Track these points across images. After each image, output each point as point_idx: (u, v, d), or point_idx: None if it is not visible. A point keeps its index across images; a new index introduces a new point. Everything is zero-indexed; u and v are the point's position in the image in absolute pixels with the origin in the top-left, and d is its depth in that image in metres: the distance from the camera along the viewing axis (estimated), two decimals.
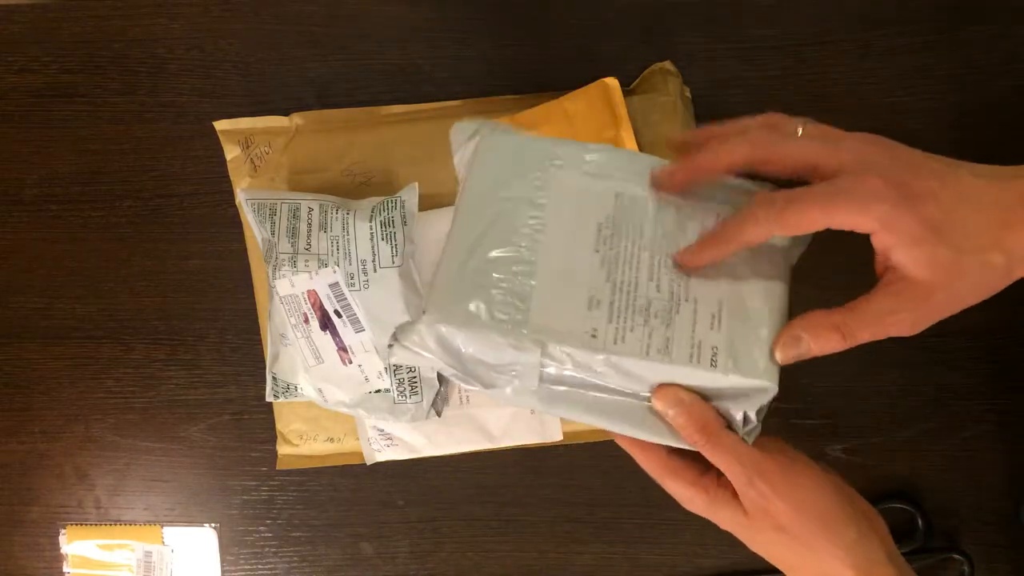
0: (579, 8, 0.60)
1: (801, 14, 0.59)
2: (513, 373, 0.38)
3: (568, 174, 0.41)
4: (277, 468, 0.60)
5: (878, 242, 0.37)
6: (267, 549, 0.63)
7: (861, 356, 0.60)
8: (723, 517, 0.41)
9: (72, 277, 0.62)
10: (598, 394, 0.39)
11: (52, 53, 0.61)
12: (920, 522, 0.59)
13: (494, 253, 0.39)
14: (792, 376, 0.61)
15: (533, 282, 0.38)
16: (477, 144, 0.42)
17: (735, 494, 0.40)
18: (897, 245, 0.36)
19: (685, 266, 0.39)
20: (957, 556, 0.59)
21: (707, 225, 0.40)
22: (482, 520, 0.62)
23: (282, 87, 0.61)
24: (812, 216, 0.36)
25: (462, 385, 0.41)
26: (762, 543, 0.42)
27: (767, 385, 0.38)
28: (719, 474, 0.40)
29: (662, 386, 0.38)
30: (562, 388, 0.39)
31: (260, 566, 0.63)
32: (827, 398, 0.60)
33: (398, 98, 0.60)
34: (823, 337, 0.38)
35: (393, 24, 0.60)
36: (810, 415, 0.60)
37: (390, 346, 0.39)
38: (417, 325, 0.38)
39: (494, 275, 0.39)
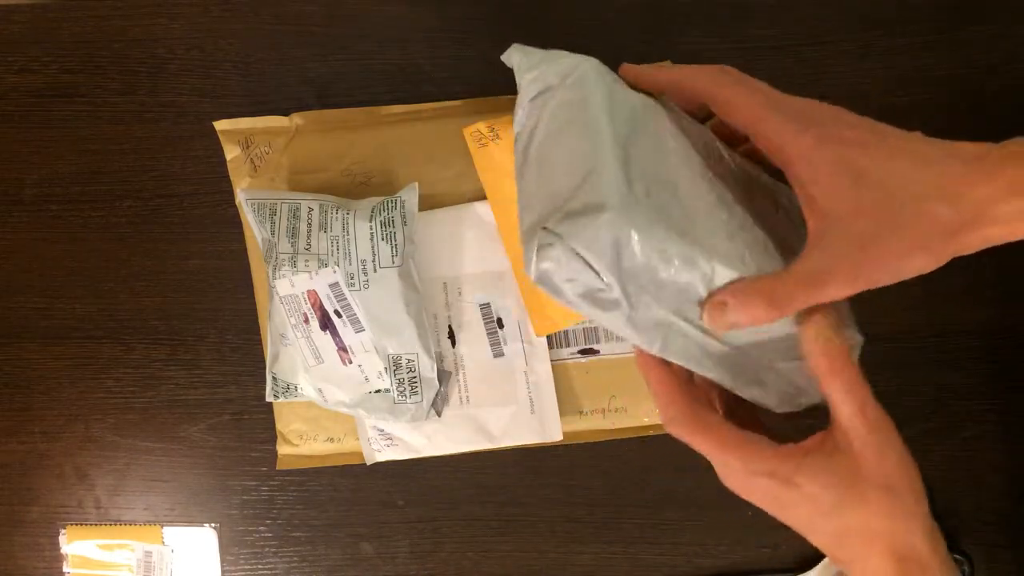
0: (579, 8, 0.60)
1: (801, 14, 0.59)
2: (665, 298, 0.35)
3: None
4: (277, 468, 0.60)
5: (795, 175, 0.35)
6: (267, 549, 0.63)
7: (862, 356, 0.60)
8: (816, 472, 0.36)
9: (72, 277, 0.62)
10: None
11: (52, 53, 0.61)
12: None
13: (646, 164, 0.35)
14: None
15: (682, 202, 0.35)
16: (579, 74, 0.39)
17: (830, 451, 0.36)
18: (815, 179, 0.34)
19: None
20: (957, 556, 0.59)
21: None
22: (482, 520, 0.62)
23: (282, 87, 0.61)
24: (755, 126, 0.36)
25: (589, 312, 0.36)
26: (857, 503, 0.35)
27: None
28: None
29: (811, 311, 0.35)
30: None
31: (260, 566, 0.63)
32: None
33: (398, 98, 0.60)
34: (750, 305, 0.35)
35: (393, 24, 0.60)
36: (810, 415, 0.60)
37: (542, 247, 0.34)
38: (597, 220, 0.33)
39: (652, 184, 0.35)
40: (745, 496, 0.38)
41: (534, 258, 0.35)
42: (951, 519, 0.60)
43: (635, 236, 0.33)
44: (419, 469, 0.61)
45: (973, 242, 0.35)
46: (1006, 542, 0.60)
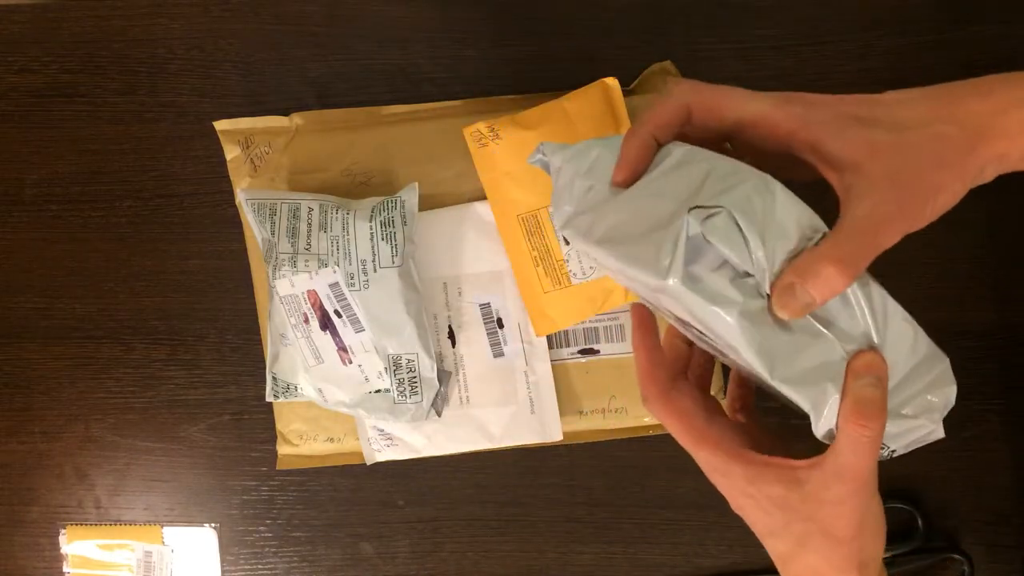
0: (579, 8, 0.60)
1: (801, 14, 0.59)
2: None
3: None
4: (277, 468, 0.60)
5: (807, 144, 0.36)
6: (267, 549, 0.63)
7: None
8: (770, 482, 0.37)
9: (72, 277, 0.62)
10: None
11: (52, 53, 0.61)
12: (920, 522, 0.59)
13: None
14: None
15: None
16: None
17: (789, 466, 0.37)
18: (827, 138, 0.35)
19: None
20: (957, 556, 0.59)
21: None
22: (482, 520, 0.62)
23: (282, 87, 0.61)
24: (727, 106, 0.37)
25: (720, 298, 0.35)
26: (818, 507, 0.37)
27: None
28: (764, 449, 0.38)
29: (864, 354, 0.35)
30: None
31: (260, 566, 0.63)
32: None
33: (398, 98, 0.60)
34: (819, 275, 0.34)
35: (393, 24, 0.60)
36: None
37: (708, 217, 0.34)
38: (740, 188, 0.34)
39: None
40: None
41: (695, 228, 0.35)
42: (951, 519, 0.60)
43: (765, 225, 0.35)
44: (419, 469, 0.61)
45: (988, 161, 0.36)
46: (1006, 542, 0.60)
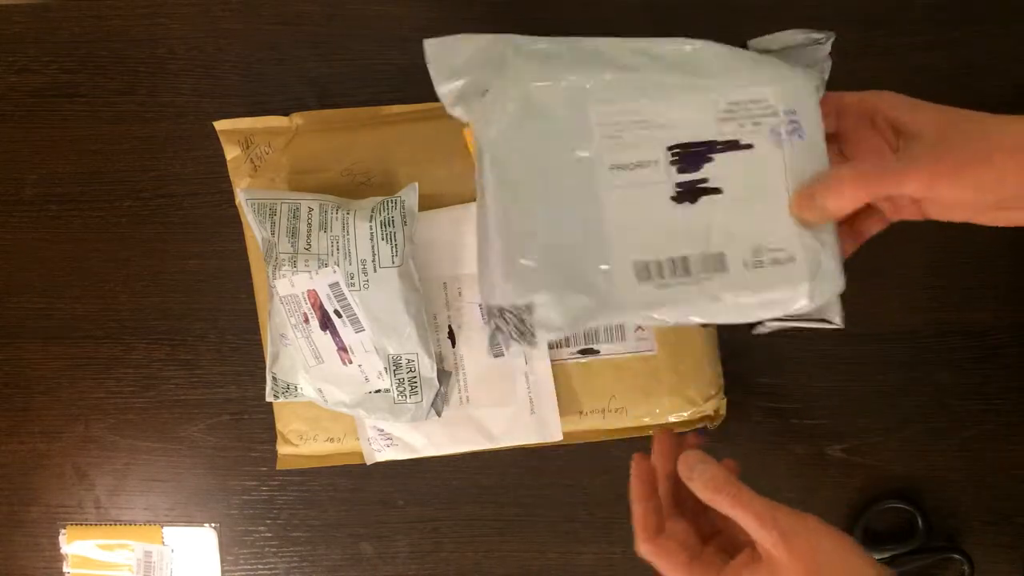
0: (579, 8, 0.60)
1: (801, 14, 0.59)
2: None
3: None
4: (277, 468, 0.60)
5: (884, 114, 0.43)
6: (267, 549, 0.63)
7: (861, 356, 0.60)
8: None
9: (72, 277, 0.62)
10: None
11: (52, 53, 0.61)
12: (920, 522, 0.59)
13: None
14: (792, 376, 0.61)
15: None
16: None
17: (744, 562, 0.41)
18: (914, 117, 0.41)
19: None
20: (957, 556, 0.59)
21: None
22: (482, 520, 0.62)
23: (282, 87, 0.61)
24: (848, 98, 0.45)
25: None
26: None
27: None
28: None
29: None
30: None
31: (260, 566, 0.63)
32: (827, 398, 0.60)
33: (398, 98, 0.60)
34: (841, 186, 0.41)
35: (393, 24, 0.60)
36: (810, 415, 0.60)
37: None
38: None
39: None
40: None
41: None
42: (951, 519, 0.60)
43: None
44: (419, 469, 0.61)
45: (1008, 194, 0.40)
46: (1006, 542, 0.60)
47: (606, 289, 0.43)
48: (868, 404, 0.60)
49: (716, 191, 0.44)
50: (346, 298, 0.55)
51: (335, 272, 0.54)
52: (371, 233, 0.55)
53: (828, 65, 0.46)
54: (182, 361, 0.62)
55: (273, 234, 0.55)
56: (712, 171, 0.44)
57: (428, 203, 0.57)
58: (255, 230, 0.56)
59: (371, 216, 0.55)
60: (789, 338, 0.60)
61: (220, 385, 0.62)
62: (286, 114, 0.60)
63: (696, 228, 0.44)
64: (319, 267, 0.54)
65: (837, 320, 0.44)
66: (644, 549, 0.45)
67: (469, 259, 0.58)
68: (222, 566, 0.63)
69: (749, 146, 0.44)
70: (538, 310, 0.42)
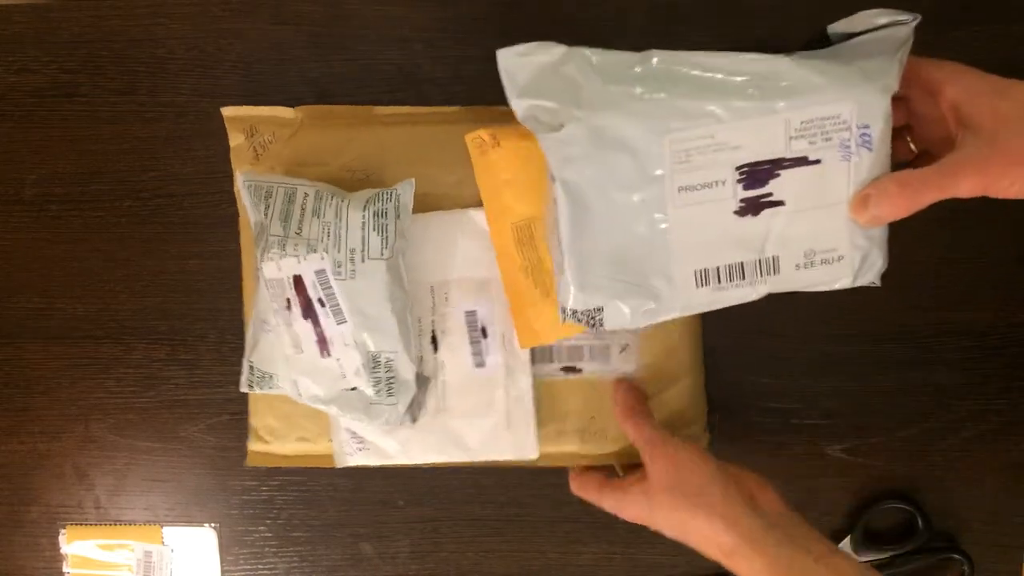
0: (580, 8, 0.60)
1: (800, 14, 0.59)
2: None
3: None
4: (245, 464, 0.59)
5: (947, 96, 0.42)
6: (267, 549, 0.63)
7: (861, 356, 0.60)
8: (631, 506, 0.50)
9: (72, 277, 0.62)
10: None
11: (52, 53, 0.61)
12: (920, 522, 0.59)
13: None
14: (792, 376, 0.61)
15: None
16: None
17: (639, 490, 0.50)
18: (969, 99, 0.41)
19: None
20: (957, 556, 0.59)
21: None
22: (482, 520, 0.62)
23: (282, 87, 0.61)
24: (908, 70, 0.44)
25: None
26: (661, 518, 0.49)
27: None
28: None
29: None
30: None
31: (260, 566, 0.63)
32: (827, 398, 0.60)
33: (398, 98, 0.60)
34: (889, 195, 0.42)
35: (393, 24, 0.60)
36: (810, 415, 0.60)
37: None
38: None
39: None
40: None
41: None
42: (951, 519, 0.60)
43: None
44: (419, 469, 0.61)
45: None
46: (1006, 542, 0.60)
47: (668, 295, 0.47)
48: (868, 404, 0.60)
49: (779, 203, 0.45)
50: (331, 287, 0.53)
51: (323, 259, 0.53)
52: (363, 223, 0.53)
53: (908, 47, 0.45)
54: (182, 361, 0.62)
55: (266, 216, 0.54)
56: (777, 185, 0.45)
57: (424, 202, 0.57)
58: (249, 212, 0.54)
59: (365, 206, 0.54)
60: (789, 338, 0.60)
61: (220, 385, 0.62)
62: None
63: (754, 236, 0.46)
64: (308, 252, 0.53)
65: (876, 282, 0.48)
66: (572, 486, 0.54)
67: (459, 265, 0.57)
68: (222, 566, 0.63)
69: (817, 161, 0.45)
70: (606, 311, 0.48)
